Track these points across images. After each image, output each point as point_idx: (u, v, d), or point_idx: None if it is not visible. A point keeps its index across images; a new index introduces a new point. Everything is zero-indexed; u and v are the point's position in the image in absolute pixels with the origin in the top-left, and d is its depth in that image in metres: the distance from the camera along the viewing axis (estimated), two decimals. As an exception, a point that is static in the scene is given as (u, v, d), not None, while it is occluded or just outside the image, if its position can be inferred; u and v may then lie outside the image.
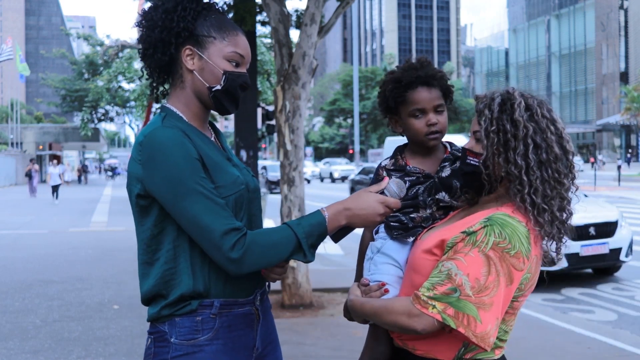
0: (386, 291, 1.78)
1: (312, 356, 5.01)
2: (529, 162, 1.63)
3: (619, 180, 30.66)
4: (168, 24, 1.78)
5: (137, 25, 1.85)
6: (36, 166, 31.81)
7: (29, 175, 30.39)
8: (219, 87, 1.80)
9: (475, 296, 1.55)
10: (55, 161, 28.47)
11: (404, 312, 1.61)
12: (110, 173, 58.65)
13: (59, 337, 5.64)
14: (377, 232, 1.93)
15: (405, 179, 1.89)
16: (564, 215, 1.67)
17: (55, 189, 25.02)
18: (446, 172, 1.89)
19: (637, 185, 29.71)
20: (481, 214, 1.67)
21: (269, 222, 13.57)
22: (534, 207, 1.63)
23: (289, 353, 5.02)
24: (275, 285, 6.48)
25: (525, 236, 1.61)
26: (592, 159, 48.03)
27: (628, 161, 52.10)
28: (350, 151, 61.67)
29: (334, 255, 10.56)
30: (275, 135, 12.21)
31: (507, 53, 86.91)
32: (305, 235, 1.71)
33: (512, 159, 1.64)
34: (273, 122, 15.02)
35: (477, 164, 1.69)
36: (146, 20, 1.83)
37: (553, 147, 1.65)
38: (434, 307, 1.57)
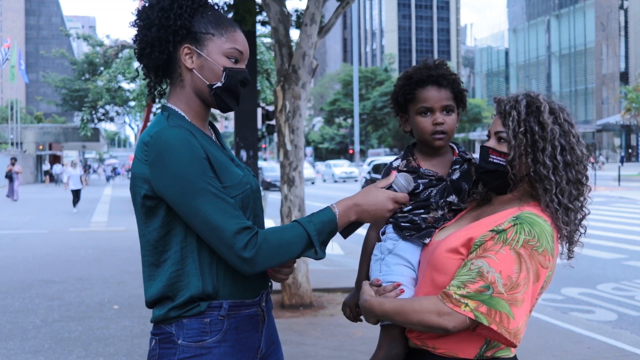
0: (402, 291, 1.78)
1: (312, 356, 5.01)
2: (556, 164, 1.68)
3: (619, 180, 30.65)
4: (165, 22, 1.75)
5: (133, 25, 1.82)
6: (18, 167, 27.92)
7: (9, 177, 27.04)
8: (219, 84, 1.78)
9: (508, 293, 1.58)
10: (74, 161, 23.74)
11: (433, 310, 1.61)
12: (111, 174, 58.53)
13: (59, 337, 5.64)
14: (384, 233, 1.92)
15: (419, 181, 1.88)
16: (583, 215, 1.73)
17: (76, 194, 20.86)
18: (456, 175, 1.91)
19: (637, 185, 29.71)
20: (507, 213, 1.70)
21: (269, 222, 13.58)
22: (561, 207, 1.68)
23: (289, 353, 5.02)
24: (275, 285, 6.48)
25: (551, 235, 1.65)
26: (592, 159, 48.02)
27: (622, 160, 52.20)
28: (351, 151, 61.63)
29: (334, 255, 10.55)
30: (275, 135, 12.21)
31: (507, 53, 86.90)
32: (317, 233, 1.71)
33: (541, 159, 1.68)
34: (273, 122, 15.03)
35: (502, 162, 1.72)
36: (142, 19, 1.80)
37: (575, 150, 1.71)
38: (466, 305, 1.58)
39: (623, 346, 5.33)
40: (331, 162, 47.58)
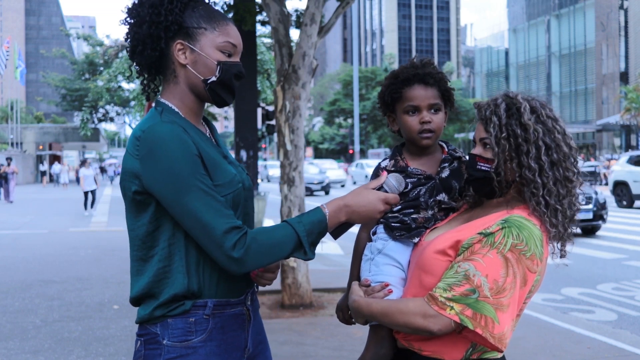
0: (390, 292, 1.77)
1: (312, 356, 5.01)
2: (541, 164, 1.66)
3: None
4: (155, 18, 1.73)
5: (123, 23, 1.80)
6: (13, 167, 26.92)
7: (4, 177, 25.98)
8: (214, 78, 1.77)
9: (494, 297, 1.56)
10: (88, 161, 21.57)
11: (418, 312, 1.61)
12: (113, 174, 58.10)
13: (59, 337, 5.64)
14: (374, 233, 1.92)
15: (407, 180, 1.87)
16: (573, 212, 1.70)
17: (91, 194, 19.41)
18: (445, 173, 1.89)
19: (637, 185, 29.68)
20: (496, 216, 1.68)
21: (269, 222, 13.57)
22: (548, 209, 1.65)
23: (289, 353, 5.02)
24: (276, 285, 6.48)
25: (540, 239, 1.63)
26: (592, 159, 48.05)
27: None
28: (351, 151, 61.59)
29: (334, 255, 10.55)
30: (275, 135, 12.19)
31: (507, 53, 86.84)
32: (306, 233, 1.69)
33: (526, 163, 1.66)
34: (273, 122, 15.03)
35: (488, 169, 1.70)
36: (132, 17, 1.78)
37: (562, 146, 1.68)
38: (451, 308, 1.57)
39: (623, 346, 5.33)
40: (363, 161, 41.07)
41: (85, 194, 19.43)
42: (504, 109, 1.70)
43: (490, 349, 1.65)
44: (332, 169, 35.71)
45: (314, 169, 30.64)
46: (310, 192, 26.76)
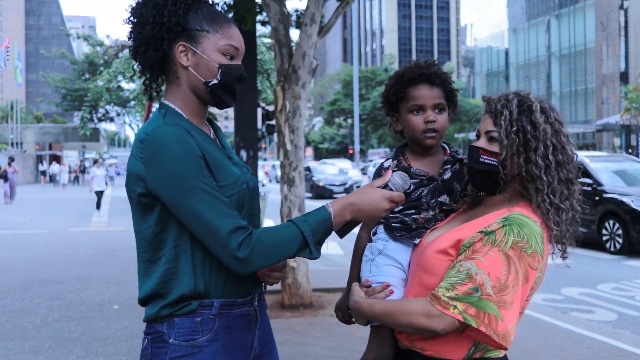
0: (391, 292, 1.78)
1: (312, 356, 5.01)
2: (548, 163, 1.67)
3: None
4: (159, 19, 1.74)
5: (127, 22, 1.81)
6: (15, 166, 26.66)
7: (3, 176, 25.65)
8: (215, 81, 1.77)
9: (497, 295, 1.57)
10: (100, 161, 20.84)
11: (421, 312, 1.61)
12: (114, 174, 57.97)
13: (59, 337, 5.64)
14: (375, 234, 1.92)
15: (410, 181, 1.88)
16: (574, 214, 1.72)
17: (99, 195, 19.14)
18: (448, 175, 1.90)
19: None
20: (496, 214, 1.69)
21: (269, 222, 13.57)
22: (552, 207, 1.66)
23: (289, 353, 5.02)
24: (275, 285, 6.44)
25: (541, 236, 1.64)
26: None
27: None
28: (351, 151, 61.55)
29: (334, 255, 10.56)
30: (275, 135, 12.19)
31: (507, 53, 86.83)
32: (312, 232, 1.70)
33: (534, 159, 1.67)
34: (273, 122, 15.02)
35: (494, 163, 1.71)
36: (136, 17, 1.78)
37: (566, 149, 1.70)
38: (455, 307, 1.58)
39: (623, 346, 5.33)
40: (380, 161, 38.91)
41: (96, 193, 19.03)
42: (515, 105, 1.72)
43: (494, 347, 1.65)
44: (347, 169, 33.49)
45: (333, 169, 28.53)
46: (330, 194, 25.31)
